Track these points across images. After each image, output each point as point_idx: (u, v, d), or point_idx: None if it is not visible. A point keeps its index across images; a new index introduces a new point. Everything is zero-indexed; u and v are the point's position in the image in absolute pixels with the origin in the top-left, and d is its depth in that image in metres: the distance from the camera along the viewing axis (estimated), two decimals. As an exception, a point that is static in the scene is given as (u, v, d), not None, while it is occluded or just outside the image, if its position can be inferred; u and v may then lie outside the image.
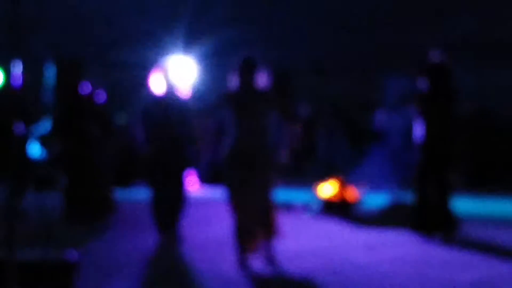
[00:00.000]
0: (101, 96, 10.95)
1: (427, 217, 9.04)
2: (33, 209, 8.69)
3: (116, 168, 12.85)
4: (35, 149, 12.12)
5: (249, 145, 7.28)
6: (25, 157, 10.69)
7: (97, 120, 10.71)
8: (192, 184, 16.45)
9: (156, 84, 8.90)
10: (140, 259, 7.77)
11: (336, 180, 11.64)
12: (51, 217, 9.46)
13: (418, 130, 9.16)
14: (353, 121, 18.71)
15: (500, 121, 17.00)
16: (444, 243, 8.70)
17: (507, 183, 15.34)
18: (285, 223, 8.07)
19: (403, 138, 11.52)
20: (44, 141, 12.45)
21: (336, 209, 11.30)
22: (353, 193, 11.51)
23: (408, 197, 9.82)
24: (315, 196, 11.73)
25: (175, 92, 8.95)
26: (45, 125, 12.07)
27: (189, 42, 13.96)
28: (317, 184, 11.81)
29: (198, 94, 9.64)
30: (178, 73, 9.16)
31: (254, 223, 7.29)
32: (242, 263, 7.20)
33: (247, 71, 7.40)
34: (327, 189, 11.57)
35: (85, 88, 10.68)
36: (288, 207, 11.83)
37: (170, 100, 8.90)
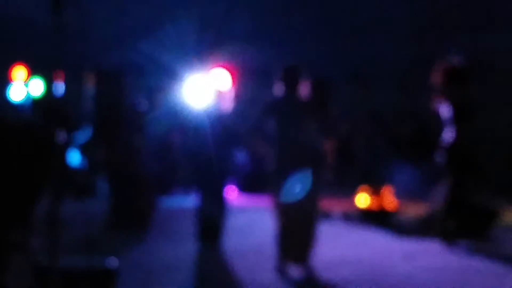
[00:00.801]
0: (142, 105, 11.07)
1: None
2: (74, 217, 8.77)
3: (158, 176, 12.96)
4: (75, 158, 12.28)
5: (293, 154, 7.29)
6: (66, 165, 10.81)
7: (139, 128, 10.82)
8: (232, 193, 16.52)
9: (198, 94, 8.98)
10: (179, 266, 7.82)
11: (375, 189, 11.62)
12: (93, 225, 9.57)
13: (447, 136, 9.12)
14: (392, 131, 18.62)
15: None
16: (482, 251, 8.66)
17: None
18: (325, 232, 8.08)
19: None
20: (84, 149, 12.61)
21: (374, 218, 11.27)
22: (391, 202, 11.47)
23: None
24: (354, 205, 11.72)
25: (218, 103, 9.02)
26: (85, 134, 12.22)
27: (230, 54, 14.05)
28: (356, 194, 11.80)
29: (240, 108, 9.69)
30: (220, 85, 9.21)
31: (298, 231, 7.31)
32: (281, 271, 7.22)
33: (291, 80, 7.42)
34: (366, 198, 11.55)
35: (126, 97, 10.81)
36: (328, 216, 11.83)
37: (213, 110, 8.97)
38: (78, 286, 5.39)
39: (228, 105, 9.25)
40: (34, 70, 16.16)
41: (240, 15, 17.43)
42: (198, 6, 17.47)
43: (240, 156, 15.31)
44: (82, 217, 9.23)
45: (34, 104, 16.16)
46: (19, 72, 16.40)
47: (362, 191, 11.72)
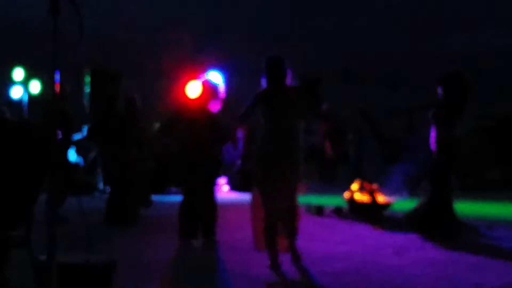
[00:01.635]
0: (138, 105, 11.14)
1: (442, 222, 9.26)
2: (72, 214, 8.83)
3: (153, 174, 13.04)
4: (73, 155, 12.35)
5: (278, 145, 7.34)
6: (65, 163, 10.90)
7: (136, 128, 10.90)
8: (222, 190, 16.61)
9: (191, 94, 9.05)
10: (174, 262, 7.92)
11: (366, 184, 11.73)
12: (90, 221, 9.62)
13: (433, 136, 9.33)
14: (382, 128, 18.73)
15: None
16: (470, 247, 8.77)
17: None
18: (316, 226, 8.14)
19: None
20: (81, 147, 12.69)
21: (365, 213, 11.39)
22: (382, 197, 11.60)
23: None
24: (345, 200, 11.83)
25: (208, 102, 9.10)
26: (82, 132, 12.30)
27: (228, 57, 14.10)
28: (348, 189, 11.91)
29: (232, 107, 9.79)
30: (213, 86, 9.30)
31: (280, 222, 7.41)
32: (273, 266, 7.30)
33: (273, 69, 7.45)
34: (357, 193, 11.66)
35: (123, 97, 10.89)
36: (319, 211, 11.95)
37: (201, 108, 9.06)
38: (75, 281, 5.45)
39: (218, 104, 9.32)
40: (32, 70, 16.25)
41: (232, 15, 17.50)
42: (193, 10, 17.55)
43: (231, 154, 15.38)
44: (80, 213, 9.28)
45: (33, 104, 16.26)
46: (18, 73, 16.51)
47: (354, 186, 11.84)
